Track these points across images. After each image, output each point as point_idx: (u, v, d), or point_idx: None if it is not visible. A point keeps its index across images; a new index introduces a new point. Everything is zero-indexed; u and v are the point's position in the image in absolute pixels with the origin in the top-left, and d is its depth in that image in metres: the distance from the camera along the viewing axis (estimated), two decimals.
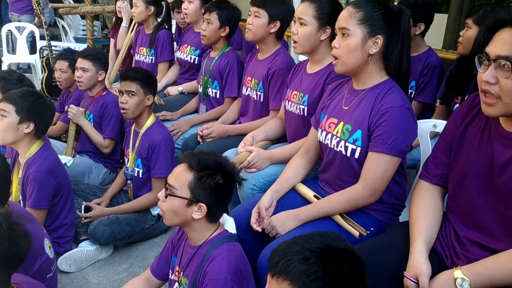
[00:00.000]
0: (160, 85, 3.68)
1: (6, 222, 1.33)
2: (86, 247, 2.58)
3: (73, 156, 3.25)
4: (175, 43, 4.06)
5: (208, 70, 3.16)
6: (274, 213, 1.92)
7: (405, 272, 1.47)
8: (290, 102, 2.36)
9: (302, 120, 2.28)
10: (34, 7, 6.30)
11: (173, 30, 4.18)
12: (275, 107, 2.64)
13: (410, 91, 2.72)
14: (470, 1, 4.80)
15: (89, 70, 3.17)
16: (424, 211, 1.61)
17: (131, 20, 4.08)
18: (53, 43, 5.22)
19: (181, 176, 1.62)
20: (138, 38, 3.99)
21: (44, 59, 5.14)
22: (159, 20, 3.93)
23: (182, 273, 1.70)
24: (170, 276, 1.82)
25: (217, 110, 3.15)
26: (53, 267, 2.00)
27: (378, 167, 1.74)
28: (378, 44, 1.74)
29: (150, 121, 2.74)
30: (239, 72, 3.07)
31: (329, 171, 1.93)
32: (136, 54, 3.99)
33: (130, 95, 2.62)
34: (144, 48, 3.90)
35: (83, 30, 7.33)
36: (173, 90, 3.60)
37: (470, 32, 2.44)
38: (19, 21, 6.89)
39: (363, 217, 1.84)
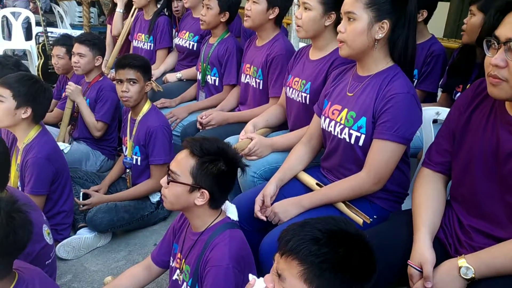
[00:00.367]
0: (158, 72, 3.65)
1: (7, 209, 1.31)
2: (84, 234, 2.56)
3: (70, 143, 3.22)
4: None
5: (207, 57, 3.12)
6: (276, 201, 1.91)
7: (409, 260, 1.46)
8: (291, 89, 2.33)
9: (304, 107, 2.26)
10: None
11: None
12: (274, 94, 2.61)
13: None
14: None
15: (86, 56, 3.14)
16: (427, 199, 1.59)
17: (130, 5, 4.03)
18: (49, 29, 5.15)
19: (183, 162, 1.61)
20: (137, 24, 3.93)
21: (40, 45, 5.08)
22: (158, 6, 3.87)
23: (183, 260, 1.68)
24: (171, 264, 1.80)
25: (216, 97, 3.13)
26: (52, 253, 1.98)
27: (383, 155, 1.72)
28: (384, 29, 1.71)
29: (146, 107, 2.71)
30: (238, 59, 3.03)
31: (332, 158, 1.91)
32: (134, 40, 3.94)
33: (132, 83, 2.59)
34: (143, 35, 3.85)
35: (79, 16, 7.25)
36: (172, 77, 3.56)
37: (474, 19, 2.41)
38: (14, 6, 6.81)
39: (366, 205, 1.83)
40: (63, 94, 3.49)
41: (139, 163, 2.74)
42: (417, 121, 1.74)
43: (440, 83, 2.67)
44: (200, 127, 2.78)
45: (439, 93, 2.75)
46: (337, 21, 2.14)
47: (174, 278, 1.75)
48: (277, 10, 2.62)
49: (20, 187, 2.43)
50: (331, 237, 1.12)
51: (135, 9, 3.96)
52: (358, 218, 1.77)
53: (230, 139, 2.40)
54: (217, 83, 3.14)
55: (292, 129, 2.36)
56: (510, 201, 1.40)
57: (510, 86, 1.31)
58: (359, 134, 1.77)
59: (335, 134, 1.85)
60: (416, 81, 2.70)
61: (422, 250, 1.45)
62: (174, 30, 3.92)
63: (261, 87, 2.71)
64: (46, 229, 1.96)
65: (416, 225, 1.54)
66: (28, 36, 6.22)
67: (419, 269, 1.42)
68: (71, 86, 3.14)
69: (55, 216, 2.47)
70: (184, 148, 1.64)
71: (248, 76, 2.80)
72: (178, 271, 1.72)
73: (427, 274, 1.39)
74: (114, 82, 2.72)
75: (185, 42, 3.55)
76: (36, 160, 2.34)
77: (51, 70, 4.73)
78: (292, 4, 2.90)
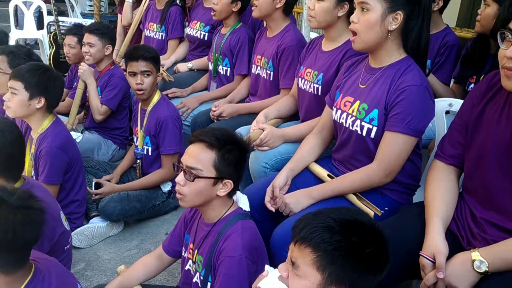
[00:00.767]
0: (169, 62, 3.65)
1: (15, 204, 1.30)
2: (97, 223, 2.59)
3: (82, 132, 3.24)
4: None
5: (219, 47, 3.12)
6: (288, 192, 1.91)
7: (421, 251, 1.46)
8: (303, 80, 2.32)
9: (316, 98, 2.25)
10: None
11: None
12: (286, 85, 2.61)
13: None
14: None
15: (95, 45, 3.16)
16: (440, 191, 1.59)
17: None
18: (60, 18, 5.16)
19: (202, 156, 1.58)
20: (149, 13, 3.92)
21: (52, 34, 5.10)
22: None
23: (196, 250, 1.69)
24: (183, 254, 1.82)
25: (227, 87, 3.13)
26: (69, 239, 2.04)
27: (394, 147, 1.72)
28: (398, 20, 1.70)
29: (156, 98, 2.72)
30: (250, 49, 3.03)
31: (344, 150, 1.91)
32: (145, 30, 3.94)
33: (146, 75, 2.60)
34: (155, 24, 3.84)
35: (90, 5, 7.25)
36: (183, 67, 3.56)
37: (488, 9, 2.38)
38: None
39: (377, 197, 1.83)
40: (75, 84, 3.52)
41: (150, 153, 2.75)
42: (429, 113, 1.73)
43: (453, 73, 2.65)
44: (214, 119, 2.78)
45: (452, 84, 2.73)
46: (350, 12, 2.13)
47: (186, 268, 1.77)
48: None
49: (34, 177, 2.46)
50: (344, 226, 1.13)
51: None
52: (369, 210, 1.78)
53: (241, 130, 2.41)
54: (228, 73, 3.14)
55: (303, 120, 2.36)
56: None
57: None
58: (371, 126, 1.76)
59: (347, 126, 1.85)
60: (429, 71, 2.68)
61: (435, 240, 1.45)
62: (185, 20, 3.90)
63: (271, 78, 2.71)
64: (62, 215, 2.00)
65: (428, 216, 1.54)
66: (39, 25, 6.24)
67: (431, 259, 1.42)
68: (83, 66, 3.16)
69: (69, 205, 2.49)
70: (194, 142, 1.61)
71: (258, 67, 2.80)
72: (190, 261, 1.74)
73: (440, 264, 1.39)
74: (125, 73, 2.73)
75: (196, 32, 3.54)
76: (50, 150, 2.36)
77: (62, 59, 4.75)
78: None
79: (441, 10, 2.67)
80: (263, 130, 2.21)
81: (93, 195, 2.69)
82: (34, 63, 2.48)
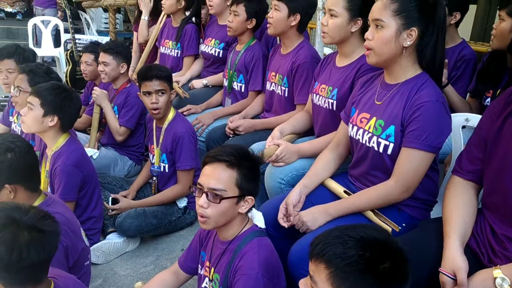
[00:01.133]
0: (184, 78, 3.69)
1: (25, 223, 1.29)
2: (113, 239, 2.61)
3: (99, 149, 3.28)
4: None
5: (234, 64, 3.14)
6: (303, 208, 1.91)
7: (440, 268, 1.44)
8: (318, 96, 2.33)
9: (331, 114, 2.26)
10: (58, 1, 6.37)
11: None
12: (301, 101, 2.62)
13: None
14: None
15: (110, 64, 3.20)
16: (458, 207, 1.57)
17: (156, 12, 4.08)
18: (76, 36, 5.26)
19: (224, 176, 1.57)
20: (164, 30, 3.97)
21: (68, 52, 5.19)
22: (187, 13, 3.91)
23: (213, 268, 1.69)
24: (199, 271, 1.82)
25: (241, 103, 3.15)
26: (89, 255, 2.06)
27: (411, 163, 1.71)
28: (413, 37, 1.70)
29: (171, 115, 2.75)
30: (264, 65, 3.05)
31: (360, 166, 1.90)
32: (161, 47, 3.99)
33: (160, 93, 2.63)
34: (170, 41, 3.89)
35: (106, 23, 7.38)
36: (198, 83, 3.59)
37: (503, 24, 2.37)
38: (43, 15, 6.97)
39: (394, 213, 1.82)
40: (91, 101, 3.56)
41: (166, 170, 2.78)
42: (446, 129, 1.72)
43: (468, 88, 2.64)
44: (230, 134, 2.79)
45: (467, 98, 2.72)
46: (363, 27, 2.14)
47: (203, 286, 1.76)
48: (298, 17, 2.63)
49: None
50: (359, 241, 1.12)
51: (164, 15, 4.00)
52: (387, 226, 1.76)
53: (257, 146, 2.42)
54: (243, 90, 3.16)
55: (318, 136, 2.36)
56: None
57: None
58: (387, 143, 1.76)
59: (363, 142, 1.84)
60: (447, 82, 2.66)
61: (454, 257, 1.43)
62: (200, 37, 3.95)
63: (286, 95, 2.72)
64: (82, 232, 2.02)
65: (446, 232, 1.52)
66: (56, 43, 6.36)
67: (452, 276, 1.40)
68: (96, 91, 3.21)
69: (85, 221, 2.51)
70: (211, 162, 1.60)
71: (273, 83, 2.81)
72: (207, 279, 1.73)
73: (462, 281, 1.37)
74: (139, 93, 2.77)
75: (210, 49, 3.57)
76: (64, 167, 2.39)
77: (79, 76, 4.83)
78: (316, 9, 2.89)
79: (457, 24, 2.66)
80: (279, 146, 2.21)
81: (110, 211, 2.71)
82: (55, 83, 2.52)
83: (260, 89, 3.05)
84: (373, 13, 1.76)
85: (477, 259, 1.50)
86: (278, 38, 3.09)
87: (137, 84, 3.32)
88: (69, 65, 5.09)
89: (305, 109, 2.53)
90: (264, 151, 2.22)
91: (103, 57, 3.20)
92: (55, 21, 6.45)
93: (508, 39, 2.26)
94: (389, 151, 1.76)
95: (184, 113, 3.21)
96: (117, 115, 3.23)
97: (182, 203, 2.78)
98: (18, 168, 1.82)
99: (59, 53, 5.99)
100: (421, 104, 1.68)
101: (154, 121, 2.81)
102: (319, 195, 1.98)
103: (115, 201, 2.76)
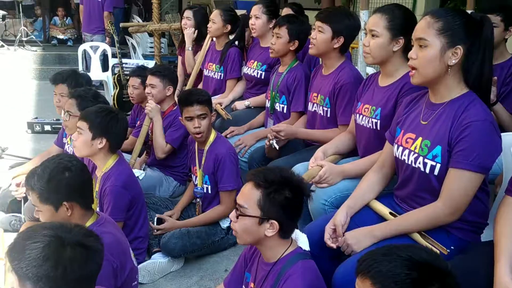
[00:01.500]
0: (227, 100, 3.74)
1: (70, 240, 1.32)
2: (158, 259, 2.64)
3: (144, 169, 3.35)
4: None
5: (277, 85, 3.17)
6: (347, 230, 1.88)
7: None
8: (361, 116, 2.31)
9: (375, 134, 2.23)
10: (107, 27, 6.63)
11: None
12: (344, 122, 2.60)
13: None
14: None
15: (157, 86, 3.29)
16: (510, 229, 1.51)
17: (200, 37, 4.18)
18: (123, 60, 5.45)
19: (249, 195, 1.62)
20: (208, 53, 4.06)
21: (116, 76, 5.38)
22: (230, 37, 3.99)
23: None
24: None
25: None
26: (137, 275, 2.09)
27: (459, 184, 1.66)
28: (458, 55, 1.68)
29: (212, 137, 2.80)
30: (306, 86, 3.05)
31: (406, 187, 1.87)
32: (205, 70, 4.08)
33: (202, 117, 2.68)
34: (214, 64, 3.97)
35: (151, 47, 7.61)
36: (240, 105, 3.64)
37: None
38: (92, 40, 7.27)
39: (443, 235, 1.77)
40: (138, 123, 3.67)
41: (209, 191, 2.81)
42: (496, 149, 1.68)
43: None
44: (271, 139, 2.78)
45: None
46: (406, 46, 2.12)
47: None
48: (342, 40, 2.63)
49: None
50: (407, 260, 1.10)
51: (209, 38, 4.08)
52: (435, 249, 1.71)
53: (299, 166, 2.41)
54: (285, 111, 3.18)
55: (362, 156, 2.33)
56: None
57: None
58: (434, 163, 1.72)
59: (409, 163, 1.81)
60: (496, 100, 2.59)
61: (504, 280, 1.38)
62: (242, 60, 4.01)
63: (328, 115, 2.72)
64: (131, 251, 2.06)
65: (496, 256, 1.48)
66: (104, 67, 6.62)
67: None
68: (151, 104, 3.28)
69: (132, 241, 2.56)
70: (248, 180, 1.65)
71: (315, 104, 2.81)
72: None
73: None
74: (181, 118, 2.82)
75: (253, 71, 3.62)
76: (113, 188, 2.45)
77: (125, 99, 4.99)
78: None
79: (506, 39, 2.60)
80: (322, 167, 2.20)
81: (155, 231, 2.76)
82: (101, 106, 2.62)
83: (302, 110, 3.06)
84: (416, 32, 1.75)
85: None
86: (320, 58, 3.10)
87: None
88: (117, 88, 5.27)
89: (348, 130, 2.51)
90: (307, 172, 2.21)
91: (150, 79, 3.30)
92: (103, 46, 6.72)
93: None
94: (436, 172, 1.72)
95: (228, 136, 3.25)
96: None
97: (225, 223, 2.80)
98: (75, 186, 1.89)
99: (107, 77, 6.22)
100: (468, 124, 1.64)
101: (196, 143, 2.86)
102: (364, 216, 1.95)
103: (160, 221, 2.81)
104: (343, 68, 2.68)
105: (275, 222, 1.60)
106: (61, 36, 10.09)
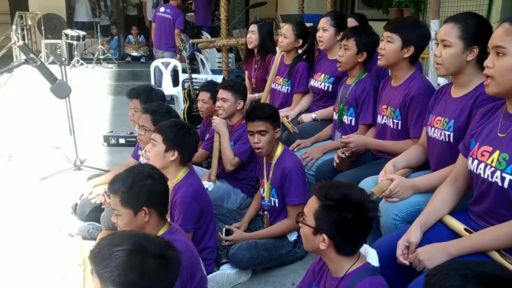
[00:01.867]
0: (293, 113, 3.76)
1: (154, 251, 1.37)
2: (227, 270, 2.68)
3: (215, 182, 3.43)
4: None
5: (344, 97, 3.15)
6: (419, 246, 1.82)
7: None
8: (433, 128, 2.24)
9: (447, 146, 2.15)
10: (178, 44, 6.89)
11: None
12: (415, 134, 2.53)
13: None
14: None
15: (228, 100, 3.37)
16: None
17: (264, 51, 4.25)
18: (192, 75, 5.64)
19: (310, 205, 1.67)
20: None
21: (186, 90, 5.56)
22: (299, 51, 4.01)
23: None
24: None
25: None
26: (206, 285, 2.13)
27: None
28: None
29: (279, 151, 2.81)
30: (375, 99, 3.01)
31: (483, 203, 1.78)
32: (272, 83, 4.12)
33: (262, 134, 2.71)
34: (281, 78, 4.01)
35: (219, 62, 7.82)
36: (307, 118, 3.64)
37: None
38: (162, 57, 7.57)
39: None
40: (207, 136, 3.77)
41: (276, 204, 2.82)
42: None
43: None
44: (342, 150, 2.76)
45: None
46: (480, 55, 2.04)
47: None
48: (412, 49, 2.58)
49: None
50: (480, 276, 1.04)
51: (280, 53, 4.12)
52: None
53: (368, 180, 2.37)
54: (353, 123, 3.14)
55: (434, 170, 2.25)
56: None
57: None
58: None
59: (485, 177, 1.73)
60: None
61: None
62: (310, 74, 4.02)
63: (399, 127, 2.65)
64: (201, 261, 2.11)
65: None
66: (175, 82, 6.87)
67: None
68: (216, 119, 3.37)
69: (201, 252, 2.61)
70: (314, 191, 1.68)
71: (385, 117, 2.76)
72: None
73: None
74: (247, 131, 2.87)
75: (320, 84, 3.62)
76: (184, 199, 2.52)
77: (195, 113, 5.14)
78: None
79: None
80: (392, 181, 2.14)
81: (223, 242, 2.81)
82: (175, 120, 2.73)
83: (370, 123, 3.01)
84: (493, 39, 1.68)
85: None
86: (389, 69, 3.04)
87: None
88: (187, 102, 5.44)
89: (419, 143, 2.44)
90: (377, 186, 2.17)
91: (222, 93, 3.38)
92: (174, 62, 6.98)
93: None
94: None
95: (295, 149, 3.26)
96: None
97: (293, 236, 2.80)
98: (155, 193, 1.99)
99: (178, 91, 6.45)
100: None
101: (265, 157, 2.89)
102: (437, 232, 1.88)
103: (228, 232, 2.85)
104: (413, 78, 2.62)
105: (326, 237, 1.60)
106: (134, 53, 10.62)
